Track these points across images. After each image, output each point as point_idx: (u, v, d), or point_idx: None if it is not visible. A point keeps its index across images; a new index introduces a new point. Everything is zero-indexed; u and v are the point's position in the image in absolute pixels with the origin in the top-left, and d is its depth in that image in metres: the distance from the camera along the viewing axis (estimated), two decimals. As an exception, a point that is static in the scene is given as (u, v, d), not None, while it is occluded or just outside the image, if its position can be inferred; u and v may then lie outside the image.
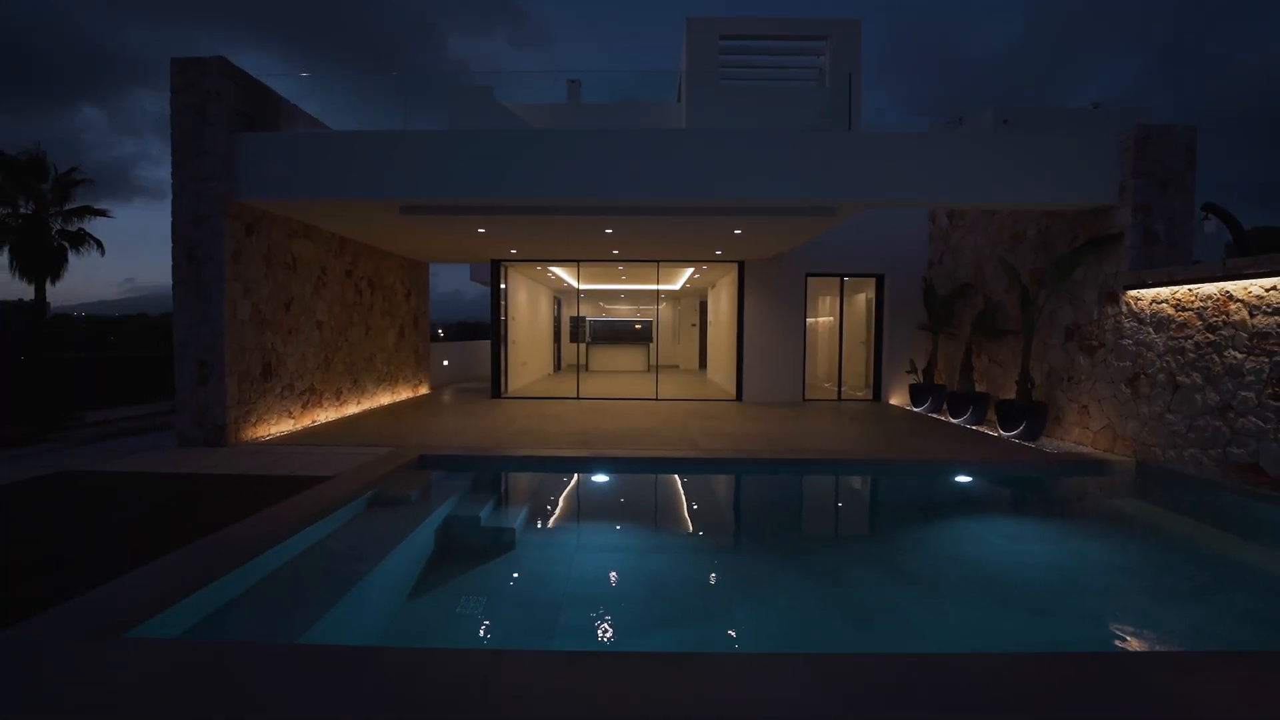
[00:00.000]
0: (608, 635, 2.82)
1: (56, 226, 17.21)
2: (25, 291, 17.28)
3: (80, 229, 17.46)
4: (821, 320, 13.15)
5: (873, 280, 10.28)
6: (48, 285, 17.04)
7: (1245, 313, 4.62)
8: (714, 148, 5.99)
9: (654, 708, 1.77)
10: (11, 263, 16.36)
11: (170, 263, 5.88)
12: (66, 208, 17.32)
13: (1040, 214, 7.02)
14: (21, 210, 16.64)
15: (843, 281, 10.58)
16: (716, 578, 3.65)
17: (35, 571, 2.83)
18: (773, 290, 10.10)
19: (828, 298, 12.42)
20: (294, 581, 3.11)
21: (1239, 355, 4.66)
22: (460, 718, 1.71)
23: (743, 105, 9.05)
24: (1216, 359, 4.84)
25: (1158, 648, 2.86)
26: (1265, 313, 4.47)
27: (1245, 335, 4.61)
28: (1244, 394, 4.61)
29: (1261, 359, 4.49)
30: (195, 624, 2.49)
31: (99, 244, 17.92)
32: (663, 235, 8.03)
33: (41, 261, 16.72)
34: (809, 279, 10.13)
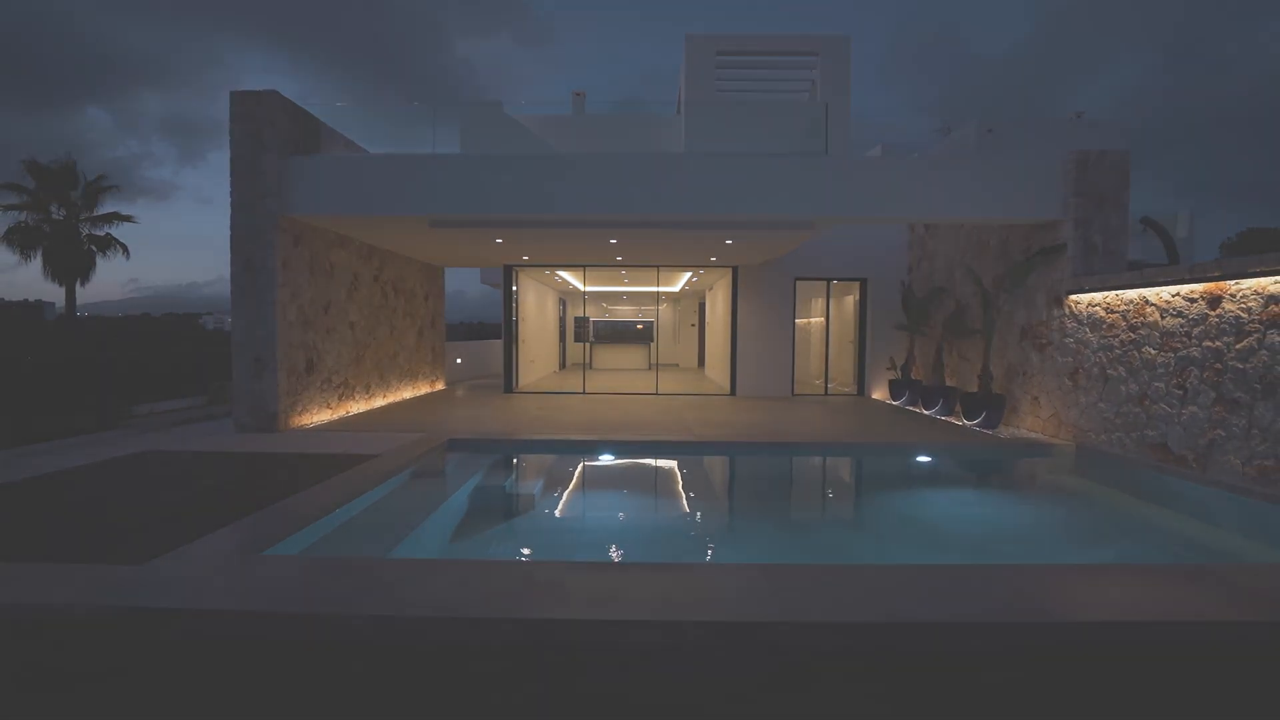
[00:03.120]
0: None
1: (85, 231, 18.09)
2: (56, 293, 18.15)
3: (108, 233, 18.34)
4: (813, 321, 13.92)
5: (858, 284, 11.08)
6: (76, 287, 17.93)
7: (1158, 315, 5.41)
8: (705, 169, 6.79)
9: (650, 589, 2.57)
10: (44, 266, 17.22)
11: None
12: (95, 213, 18.20)
13: (1001, 226, 7.80)
14: (53, 216, 17.53)
15: (829, 285, 11.37)
16: (704, 532, 4.45)
17: (175, 517, 3.63)
18: (764, 293, 10.90)
19: (819, 300, 13.21)
20: (369, 524, 3.93)
21: (1153, 351, 5.45)
22: (511, 595, 2.52)
23: (739, 117, 9.81)
24: (1136, 355, 5.63)
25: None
26: (1172, 315, 5.26)
27: (1157, 334, 5.40)
28: (1156, 384, 5.39)
29: (1169, 354, 5.27)
30: (307, 547, 3.30)
31: (124, 248, 18.79)
32: (661, 244, 8.84)
33: (71, 265, 17.59)
34: (798, 282, 10.92)
